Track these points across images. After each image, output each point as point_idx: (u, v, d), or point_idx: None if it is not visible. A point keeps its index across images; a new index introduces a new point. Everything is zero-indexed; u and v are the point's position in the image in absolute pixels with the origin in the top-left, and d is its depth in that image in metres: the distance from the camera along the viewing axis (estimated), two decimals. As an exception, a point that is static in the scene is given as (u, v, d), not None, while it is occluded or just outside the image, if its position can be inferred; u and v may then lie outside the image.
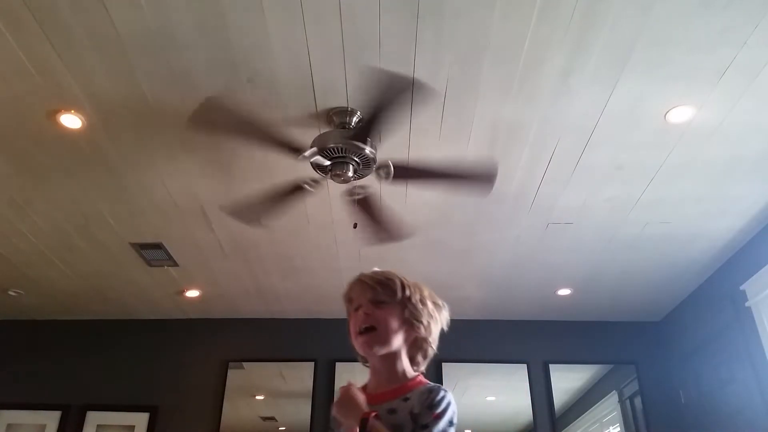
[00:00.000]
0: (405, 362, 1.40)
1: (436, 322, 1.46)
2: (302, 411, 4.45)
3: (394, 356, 1.38)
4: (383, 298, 1.40)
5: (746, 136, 2.78)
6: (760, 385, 3.51)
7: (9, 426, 4.42)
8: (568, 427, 4.47)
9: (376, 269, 1.51)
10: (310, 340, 4.75)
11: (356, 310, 1.41)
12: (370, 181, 2.80)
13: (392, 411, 1.27)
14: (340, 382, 4.53)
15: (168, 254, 3.85)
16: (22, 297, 4.47)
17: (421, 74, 2.42)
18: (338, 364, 4.60)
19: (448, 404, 1.26)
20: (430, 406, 1.24)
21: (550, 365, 4.63)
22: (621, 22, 2.20)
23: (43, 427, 4.41)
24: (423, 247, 3.77)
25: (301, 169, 2.71)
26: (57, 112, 2.61)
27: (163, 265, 4.01)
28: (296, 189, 2.77)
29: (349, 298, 1.47)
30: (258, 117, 2.53)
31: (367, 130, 2.47)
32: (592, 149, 2.88)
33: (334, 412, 1.28)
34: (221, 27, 2.21)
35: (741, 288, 3.66)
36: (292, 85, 2.49)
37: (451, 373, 4.58)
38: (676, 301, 4.49)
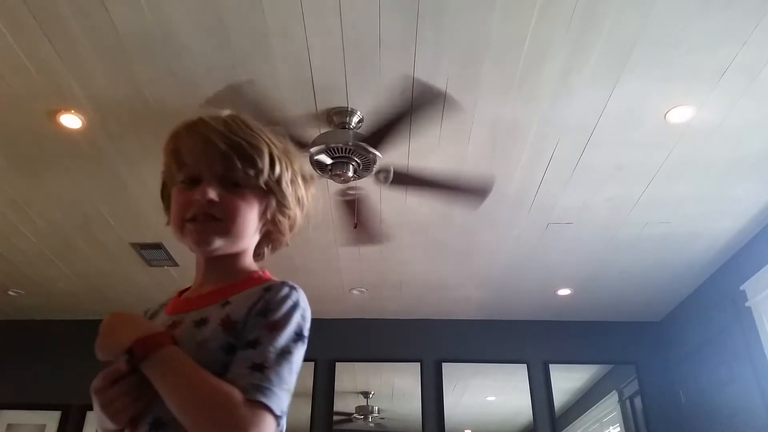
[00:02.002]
0: (248, 258, 0.97)
1: (303, 207, 1.00)
2: (302, 411, 4.45)
3: (237, 254, 0.95)
4: (240, 176, 0.90)
5: (746, 136, 2.78)
6: (760, 385, 3.51)
7: (9, 426, 4.42)
8: (568, 427, 4.47)
9: (227, 113, 0.96)
10: (311, 340, 4.71)
11: (192, 182, 0.92)
12: (365, 183, 2.80)
13: (202, 322, 0.85)
14: (340, 382, 4.53)
15: (168, 254, 3.85)
16: (22, 297, 4.47)
17: (421, 74, 2.42)
18: (338, 364, 4.59)
19: (293, 308, 0.84)
20: (263, 312, 0.82)
21: (550, 365, 4.63)
22: (621, 22, 2.20)
23: (43, 427, 4.41)
24: (423, 247, 3.77)
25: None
26: (57, 112, 2.61)
27: (163, 265, 4.01)
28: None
29: (178, 158, 0.94)
30: (260, 114, 2.54)
31: (383, 135, 2.49)
32: (592, 149, 2.87)
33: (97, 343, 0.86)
34: (221, 27, 2.21)
35: (741, 288, 3.66)
36: (292, 85, 2.49)
37: (451, 373, 4.59)
38: (676, 301, 4.49)
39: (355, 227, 3.22)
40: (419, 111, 2.43)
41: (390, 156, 2.67)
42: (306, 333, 0.86)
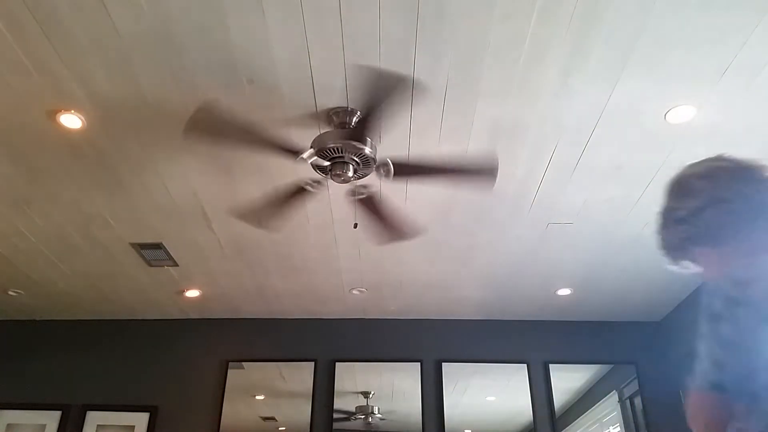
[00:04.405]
0: None
1: None
2: (302, 411, 4.45)
3: None
4: None
5: (746, 136, 2.77)
6: (760, 385, 3.50)
7: (9, 426, 4.42)
8: (568, 427, 4.47)
9: None
10: (310, 340, 4.75)
11: None
12: (372, 181, 2.80)
13: None
14: (340, 382, 4.54)
15: (168, 254, 3.85)
16: (22, 297, 4.47)
17: (421, 74, 2.42)
18: (338, 364, 4.60)
19: None
20: None
21: (550, 365, 4.63)
22: (621, 22, 2.20)
23: (43, 427, 4.41)
24: (423, 247, 3.77)
25: (302, 169, 2.71)
26: (57, 112, 2.61)
27: (163, 265, 4.01)
28: (298, 191, 2.78)
29: None
30: (254, 121, 2.54)
31: (363, 128, 2.47)
32: (592, 149, 2.88)
33: None
34: (221, 27, 2.21)
35: (741, 288, 3.65)
36: (292, 85, 2.49)
37: (451, 373, 4.59)
38: (676, 301, 4.49)
39: (355, 227, 3.22)
40: (386, 98, 2.32)
41: (390, 155, 2.67)
42: None
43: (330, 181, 2.70)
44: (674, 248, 1.15)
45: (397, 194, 3.16)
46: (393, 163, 2.63)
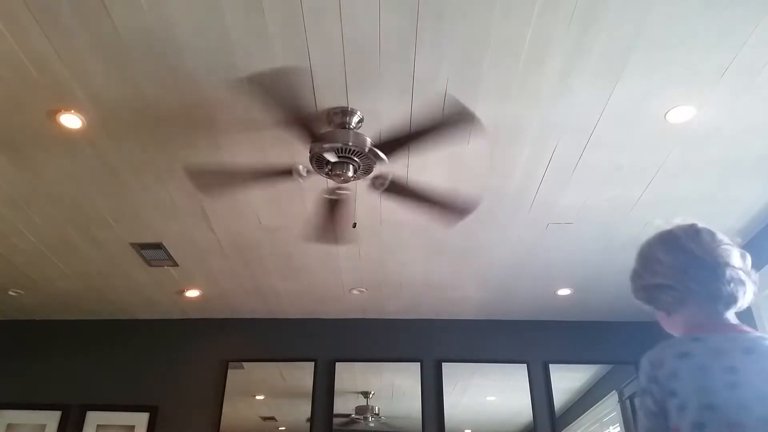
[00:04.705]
0: None
1: None
2: (302, 411, 4.45)
3: None
4: None
5: (746, 136, 2.78)
6: (760, 385, 3.50)
7: (9, 426, 4.42)
8: (568, 427, 4.47)
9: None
10: (310, 340, 4.75)
11: None
12: (351, 185, 2.80)
13: None
14: (340, 382, 4.54)
15: (168, 254, 3.85)
16: (22, 297, 4.47)
17: (421, 74, 2.42)
18: (338, 364, 4.60)
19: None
20: None
21: (550, 365, 4.63)
22: (621, 23, 2.20)
23: (43, 427, 4.41)
24: (423, 247, 3.77)
25: (301, 162, 2.69)
26: (57, 112, 2.61)
27: (163, 265, 4.01)
28: (285, 173, 2.69)
29: None
30: (240, 162, 2.53)
31: (399, 145, 2.52)
32: (592, 149, 2.88)
33: None
34: (221, 27, 2.21)
35: (741, 288, 3.66)
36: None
37: (451, 373, 4.59)
38: (676, 301, 4.48)
39: (354, 226, 3.22)
40: (445, 130, 2.43)
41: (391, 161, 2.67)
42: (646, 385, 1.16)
43: (329, 181, 2.70)
44: (642, 302, 1.37)
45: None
46: (390, 180, 2.67)
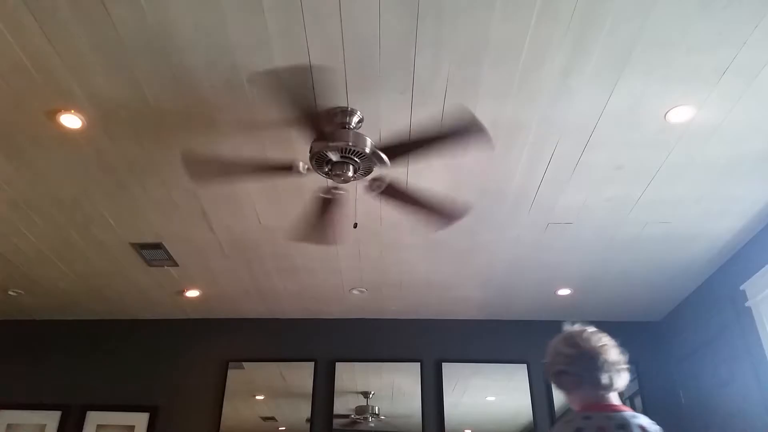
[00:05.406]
0: None
1: None
2: (302, 411, 4.45)
3: None
4: None
5: (746, 136, 2.78)
6: (760, 385, 3.51)
7: (9, 426, 4.42)
8: (568, 427, 4.46)
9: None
10: (310, 340, 4.75)
11: None
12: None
13: None
14: (340, 382, 4.54)
15: (168, 254, 3.85)
16: (22, 297, 4.47)
17: (421, 74, 2.42)
18: (338, 364, 4.60)
19: None
20: None
21: (550, 365, 4.62)
22: (621, 23, 2.20)
23: (43, 427, 4.41)
24: (423, 247, 3.77)
25: (301, 157, 2.68)
26: (57, 112, 2.61)
27: (163, 265, 4.01)
28: (283, 168, 2.67)
29: None
30: (240, 155, 2.53)
31: (405, 151, 2.53)
32: (592, 149, 2.88)
33: None
34: (221, 27, 2.21)
35: (741, 288, 3.66)
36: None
37: (451, 373, 4.59)
38: (676, 301, 4.49)
39: (355, 226, 3.22)
40: (454, 140, 2.44)
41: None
42: None
43: (328, 181, 2.70)
44: (554, 385, 1.73)
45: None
46: (388, 183, 2.67)
